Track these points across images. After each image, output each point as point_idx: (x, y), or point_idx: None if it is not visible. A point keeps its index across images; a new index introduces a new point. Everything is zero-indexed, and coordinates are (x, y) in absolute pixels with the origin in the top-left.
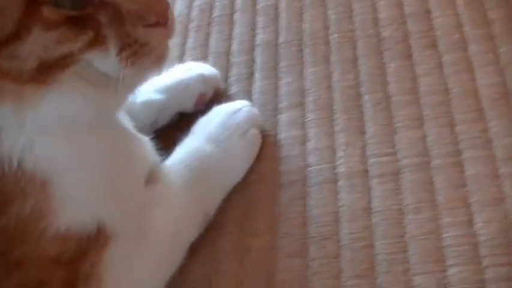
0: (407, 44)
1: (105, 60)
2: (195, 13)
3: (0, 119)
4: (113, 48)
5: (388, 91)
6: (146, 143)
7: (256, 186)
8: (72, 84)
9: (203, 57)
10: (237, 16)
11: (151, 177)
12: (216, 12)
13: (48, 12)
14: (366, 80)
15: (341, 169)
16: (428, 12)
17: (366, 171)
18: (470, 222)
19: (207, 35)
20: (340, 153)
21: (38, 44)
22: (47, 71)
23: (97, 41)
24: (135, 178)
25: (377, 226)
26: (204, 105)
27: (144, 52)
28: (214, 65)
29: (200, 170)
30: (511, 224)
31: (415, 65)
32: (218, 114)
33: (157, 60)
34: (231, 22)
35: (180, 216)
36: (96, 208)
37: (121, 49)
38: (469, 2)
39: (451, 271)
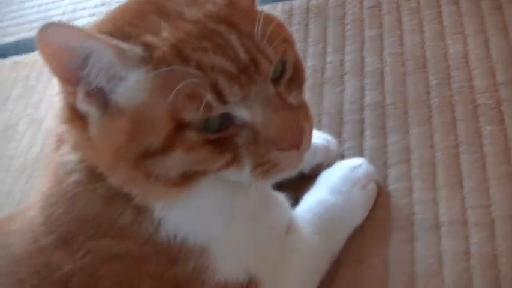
0: (500, 110)
1: (238, 174)
2: (308, 73)
3: (161, 209)
4: (247, 166)
5: (484, 152)
6: (283, 199)
7: (370, 229)
8: (212, 184)
9: (317, 115)
10: (346, 78)
11: (289, 225)
12: (327, 74)
13: (191, 135)
14: (464, 141)
15: (443, 218)
16: None
17: (465, 220)
18: None
19: (320, 94)
20: (442, 204)
21: (181, 161)
22: (188, 178)
23: (234, 161)
24: (277, 232)
25: (474, 268)
26: (319, 171)
27: (275, 170)
28: (328, 122)
29: (326, 218)
30: None
31: (507, 129)
32: (340, 168)
33: (289, 169)
34: (341, 83)
35: (313, 260)
36: (247, 262)
37: (255, 167)
38: None
39: None
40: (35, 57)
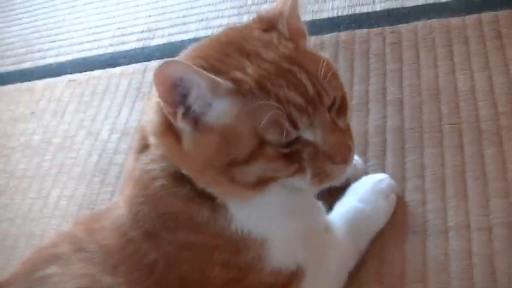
0: (500, 135)
1: (301, 181)
2: None
3: (237, 210)
4: (308, 175)
5: (485, 170)
6: (321, 205)
7: (390, 232)
8: (277, 191)
9: None
10: (370, 105)
11: (326, 226)
12: (354, 101)
13: (270, 150)
14: (469, 161)
15: (451, 224)
16: None
17: (469, 225)
18: None
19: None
20: (450, 213)
21: (260, 169)
22: (262, 183)
23: (299, 171)
24: (318, 230)
25: (476, 265)
26: (348, 184)
27: (328, 179)
28: (356, 143)
29: (356, 221)
30: None
31: (505, 151)
32: (367, 181)
33: (337, 179)
34: (366, 110)
35: (344, 256)
36: (296, 254)
37: (313, 176)
38: None
39: None
40: (88, 76)
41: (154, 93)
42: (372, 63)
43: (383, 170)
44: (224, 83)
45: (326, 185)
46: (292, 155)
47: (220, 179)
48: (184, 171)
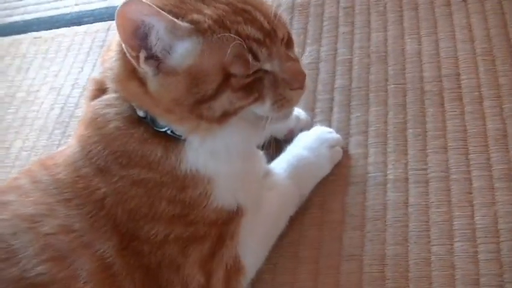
0: (442, 96)
1: (262, 108)
2: None
3: (189, 144)
4: (269, 102)
5: (426, 128)
6: (261, 154)
7: (333, 183)
8: (237, 124)
9: None
10: (321, 64)
11: (265, 173)
12: (306, 60)
13: (234, 81)
14: (411, 119)
15: (390, 176)
16: (458, 75)
17: (407, 179)
18: (472, 215)
19: None
20: (390, 166)
21: (226, 101)
22: (226, 116)
23: (259, 98)
24: (258, 176)
25: (411, 214)
26: (291, 137)
27: (288, 104)
28: (305, 99)
29: (299, 167)
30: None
31: (445, 111)
32: (314, 132)
33: (292, 108)
34: (317, 68)
35: (284, 197)
36: (237, 194)
37: (274, 102)
38: (488, 70)
39: (456, 245)
40: (53, 34)
41: (116, 40)
42: (324, 26)
43: (329, 126)
44: (183, 24)
45: (286, 111)
46: (254, 84)
47: (188, 116)
48: (149, 113)
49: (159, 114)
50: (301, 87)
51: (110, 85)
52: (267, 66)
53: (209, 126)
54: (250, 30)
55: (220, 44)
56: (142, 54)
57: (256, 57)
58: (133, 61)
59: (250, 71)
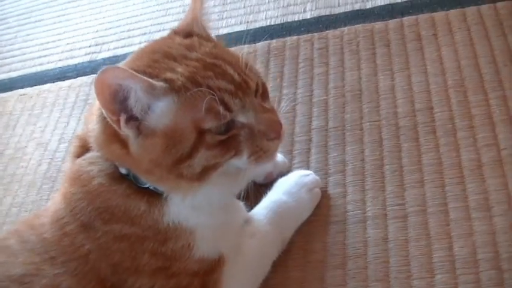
0: (416, 130)
1: (239, 161)
2: None
3: (171, 199)
4: (245, 154)
5: (402, 163)
6: (240, 203)
7: (313, 223)
8: (217, 178)
9: None
10: (298, 107)
11: (246, 220)
12: (284, 103)
13: (209, 138)
14: (387, 155)
15: (369, 213)
16: (431, 108)
17: (385, 215)
18: (450, 247)
19: None
20: (368, 203)
21: (202, 158)
22: (205, 172)
23: (237, 153)
24: (237, 224)
25: (391, 250)
26: (270, 180)
27: (265, 156)
28: (283, 142)
29: (278, 212)
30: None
31: (420, 145)
32: (292, 176)
33: (270, 158)
34: (294, 111)
35: (266, 244)
36: (219, 243)
37: (251, 154)
38: (460, 101)
39: (437, 277)
40: (38, 90)
41: (96, 103)
42: (300, 68)
43: (308, 167)
44: (158, 83)
45: (262, 163)
46: (230, 140)
47: (168, 176)
48: (132, 172)
49: (141, 174)
50: (278, 137)
51: (92, 145)
52: (242, 118)
53: (190, 185)
54: (221, 83)
55: (193, 100)
56: (122, 118)
57: (228, 108)
58: (114, 125)
59: (222, 121)
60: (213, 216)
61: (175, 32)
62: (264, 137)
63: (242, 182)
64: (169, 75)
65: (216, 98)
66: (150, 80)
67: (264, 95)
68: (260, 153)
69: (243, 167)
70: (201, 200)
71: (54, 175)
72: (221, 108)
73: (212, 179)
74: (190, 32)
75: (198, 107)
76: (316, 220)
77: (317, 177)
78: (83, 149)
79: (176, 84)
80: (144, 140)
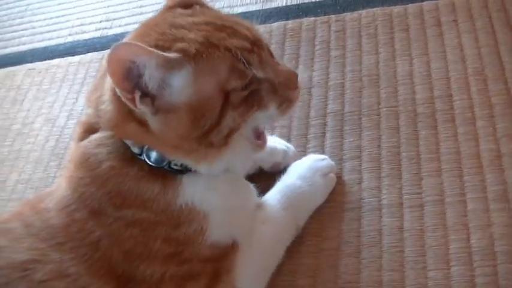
0: (434, 118)
1: (266, 114)
2: None
3: (188, 183)
4: (273, 106)
5: (419, 151)
6: (252, 186)
7: (328, 210)
8: (237, 143)
9: (289, 120)
10: (314, 90)
11: (257, 205)
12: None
13: (233, 97)
14: (404, 142)
15: (384, 201)
16: (450, 95)
17: (401, 203)
18: (468, 238)
19: None
20: (384, 191)
21: (230, 120)
22: (230, 135)
23: (260, 107)
24: (250, 209)
25: (406, 240)
26: (277, 171)
27: (291, 105)
28: (298, 125)
29: (292, 197)
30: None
31: (438, 133)
32: (307, 160)
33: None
34: (310, 94)
35: (279, 229)
36: (232, 228)
37: (279, 105)
38: (480, 89)
39: (453, 269)
40: (47, 65)
41: (108, 82)
42: (317, 50)
43: (322, 152)
44: (172, 55)
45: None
46: (252, 95)
47: (198, 147)
48: (155, 149)
49: (166, 151)
50: (296, 87)
51: (104, 128)
52: (260, 73)
53: (217, 152)
54: (237, 42)
55: (212, 64)
56: (137, 95)
57: (249, 65)
58: (129, 103)
59: (247, 79)
60: (225, 200)
61: (170, 7)
62: (285, 88)
63: (242, 179)
64: (180, 45)
65: (238, 56)
66: (165, 54)
67: (271, 53)
68: (287, 103)
69: (274, 119)
70: (210, 182)
71: (62, 152)
72: (243, 66)
73: (234, 142)
74: (189, 2)
75: (219, 69)
76: (331, 206)
77: (332, 162)
78: (87, 133)
79: (190, 52)
80: (165, 117)
